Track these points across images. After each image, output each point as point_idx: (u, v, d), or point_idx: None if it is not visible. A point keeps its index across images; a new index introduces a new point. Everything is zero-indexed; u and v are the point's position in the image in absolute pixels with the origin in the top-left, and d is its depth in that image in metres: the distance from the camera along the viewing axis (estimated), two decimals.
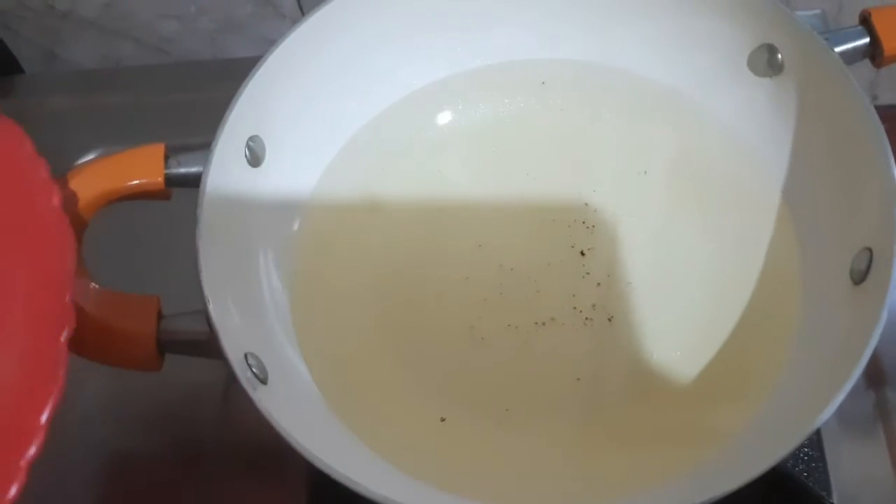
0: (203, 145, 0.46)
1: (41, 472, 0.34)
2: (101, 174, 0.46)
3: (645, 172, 0.53)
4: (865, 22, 0.47)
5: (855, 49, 0.47)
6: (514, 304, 0.50)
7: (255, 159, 0.49)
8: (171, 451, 0.54)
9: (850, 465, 0.49)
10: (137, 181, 0.45)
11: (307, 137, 0.53)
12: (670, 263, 0.50)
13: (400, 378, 0.48)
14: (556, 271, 0.50)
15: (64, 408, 0.54)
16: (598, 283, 0.50)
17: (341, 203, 0.53)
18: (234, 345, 0.41)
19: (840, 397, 0.38)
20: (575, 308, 0.49)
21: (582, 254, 0.51)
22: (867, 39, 0.47)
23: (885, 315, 0.39)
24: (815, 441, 0.49)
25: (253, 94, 0.48)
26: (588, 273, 0.50)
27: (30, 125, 0.73)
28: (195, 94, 0.69)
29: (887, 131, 0.79)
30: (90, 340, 0.41)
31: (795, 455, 0.48)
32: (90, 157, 0.63)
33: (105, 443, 0.54)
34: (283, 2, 0.75)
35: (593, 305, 0.49)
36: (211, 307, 0.41)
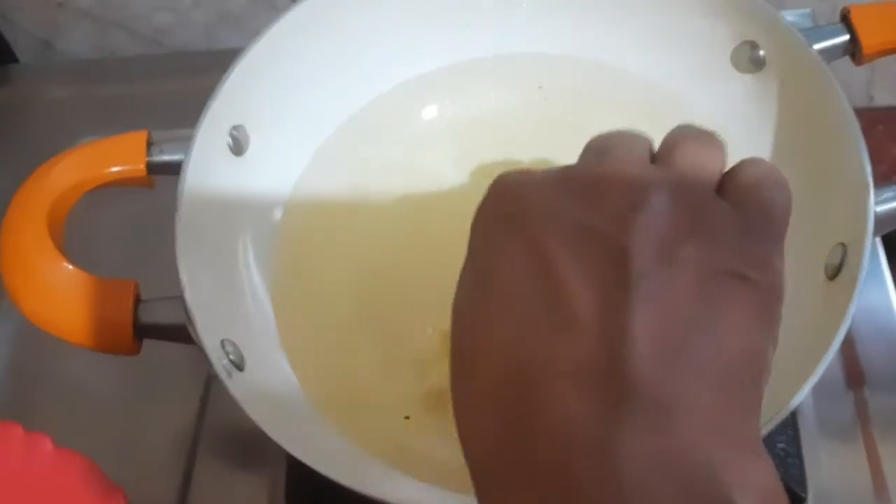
0: (188, 134, 0.46)
1: None
2: (83, 161, 0.46)
3: None
4: (845, 19, 0.47)
5: (835, 46, 0.47)
6: None
7: (238, 148, 0.50)
8: (151, 435, 0.54)
9: (827, 465, 0.49)
10: (119, 168, 0.46)
11: (291, 128, 0.53)
12: None
13: (377, 369, 0.48)
14: None
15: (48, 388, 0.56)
16: None
17: (324, 195, 0.53)
18: (210, 331, 0.42)
19: (808, 386, 0.38)
20: None
21: None
22: (847, 36, 0.47)
23: (852, 311, 0.39)
24: (791, 438, 0.49)
25: (236, 84, 0.48)
26: None
27: (25, 114, 0.74)
28: (189, 84, 0.70)
29: (883, 132, 0.79)
30: (67, 324, 0.42)
31: (771, 451, 0.48)
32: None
33: (86, 423, 0.54)
34: None
35: None
36: (187, 294, 0.42)
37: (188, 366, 0.53)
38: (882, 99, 0.76)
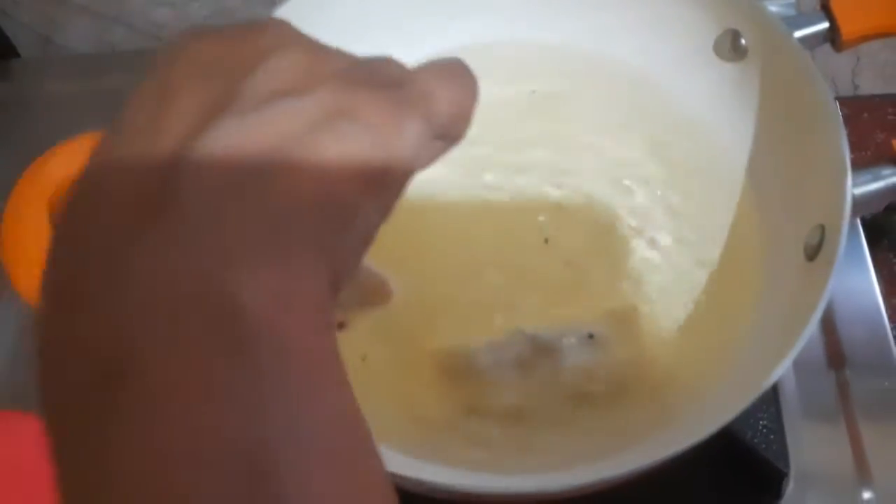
0: None
1: None
2: (84, 150, 0.47)
3: (616, 154, 0.54)
4: (825, 7, 0.48)
5: (815, 33, 0.48)
6: (483, 301, 0.50)
7: None
8: None
9: (808, 442, 0.50)
10: None
11: None
12: (641, 245, 0.52)
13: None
14: (529, 257, 0.51)
15: None
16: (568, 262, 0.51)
17: None
18: None
19: (788, 361, 0.39)
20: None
21: (546, 241, 0.52)
22: (826, 24, 0.48)
23: (830, 289, 0.40)
24: (773, 415, 0.50)
25: None
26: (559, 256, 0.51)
27: (26, 108, 0.75)
28: None
29: (868, 120, 0.80)
30: None
31: (754, 427, 0.50)
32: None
33: None
34: None
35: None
36: None
37: None
38: (867, 87, 0.77)
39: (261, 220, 0.22)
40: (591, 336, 0.48)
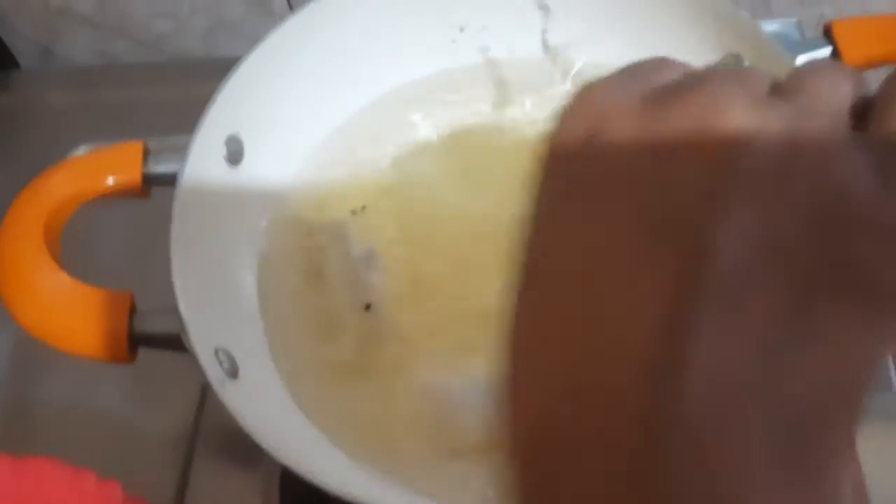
0: (186, 142, 0.47)
1: None
2: (80, 172, 0.47)
3: None
4: (827, 33, 0.48)
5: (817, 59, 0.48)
6: (480, 311, 0.50)
7: (233, 158, 0.51)
8: (148, 436, 0.55)
9: None
10: (114, 179, 0.47)
11: (285, 137, 0.54)
12: None
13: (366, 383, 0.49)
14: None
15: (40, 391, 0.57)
16: None
17: (318, 203, 0.54)
18: (204, 340, 0.43)
19: None
20: None
21: None
22: (829, 50, 0.48)
23: None
24: None
25: (231, 95, 0.49)
26: None
27: (26, 120, 0.75)
28: (189, 91, 0.71)
29: None
30: (63, 335, 0.43)
31: None
32: (78, 151, 0.64)
33: (82, 425, 0.55)
34: (273, 1, 0.76)
35: None
36: (182, 304, 0.42)
37: (186, 365, 0.54)
38: None
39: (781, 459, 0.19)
40: None
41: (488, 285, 0.50)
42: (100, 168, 0.47)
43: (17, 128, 0.74)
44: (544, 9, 0.56)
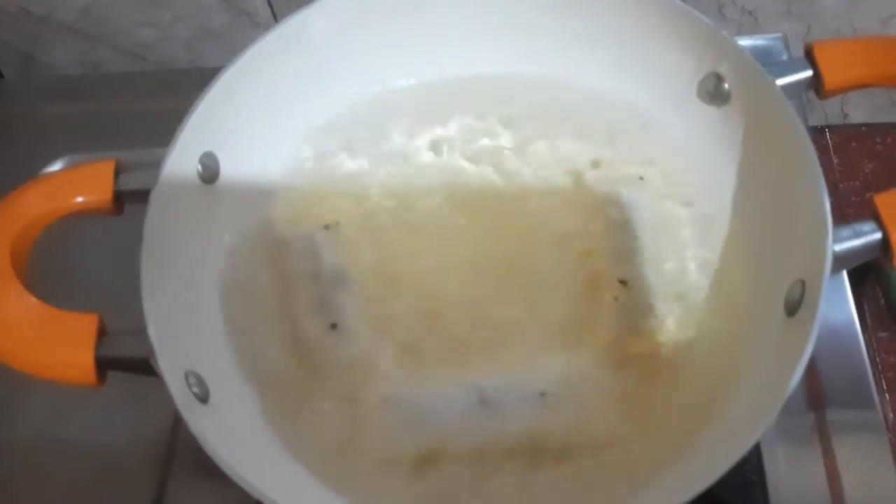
0: (160, 159, 0.46)
1: None
2: (49, 191, 0.46)
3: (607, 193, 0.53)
4: (809, 55, 0.48)
5: (798, 81, 0.48)
6: (457, 326, 0.50)
7: (208, 176, 0.50)
8: (128, 450, 0.55)
9: (788, 485, 0.50)
10: (84, 198, 0.46)
11: (261, 155, 0.53)
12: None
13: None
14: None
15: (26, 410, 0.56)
16: None
17: (292, 217, 0.53)
18: (174, 364, 0.42)
19: (766, 423, 0.39)
20: None
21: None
22: (810, 72, 0.47)
23: (809, 350, 0.39)
24: (755, 465, 0.50)
25: (206, 112, 0.48)
26: None
27: (9, 129, 0.74)
28: (173, 101, 0.70)
29: (856, 149, 0.80)
30: (29, 358, 0.42)
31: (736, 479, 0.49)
32: (57, 165, 0.64)
33: (64, 440, 0.55)
34: (257, 11, 0.76)
35: None
36: (151, 329, 0.42)
37: (162, 384, 0.54)
38: (856, 117, 0.76)
39: None
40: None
41: (461, 305, 0.50)
42: (70, 187, 0.46)
43: (2, 138, 0.74)
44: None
